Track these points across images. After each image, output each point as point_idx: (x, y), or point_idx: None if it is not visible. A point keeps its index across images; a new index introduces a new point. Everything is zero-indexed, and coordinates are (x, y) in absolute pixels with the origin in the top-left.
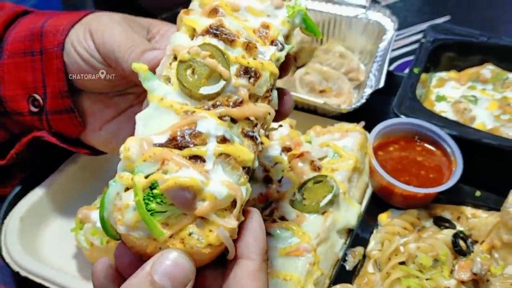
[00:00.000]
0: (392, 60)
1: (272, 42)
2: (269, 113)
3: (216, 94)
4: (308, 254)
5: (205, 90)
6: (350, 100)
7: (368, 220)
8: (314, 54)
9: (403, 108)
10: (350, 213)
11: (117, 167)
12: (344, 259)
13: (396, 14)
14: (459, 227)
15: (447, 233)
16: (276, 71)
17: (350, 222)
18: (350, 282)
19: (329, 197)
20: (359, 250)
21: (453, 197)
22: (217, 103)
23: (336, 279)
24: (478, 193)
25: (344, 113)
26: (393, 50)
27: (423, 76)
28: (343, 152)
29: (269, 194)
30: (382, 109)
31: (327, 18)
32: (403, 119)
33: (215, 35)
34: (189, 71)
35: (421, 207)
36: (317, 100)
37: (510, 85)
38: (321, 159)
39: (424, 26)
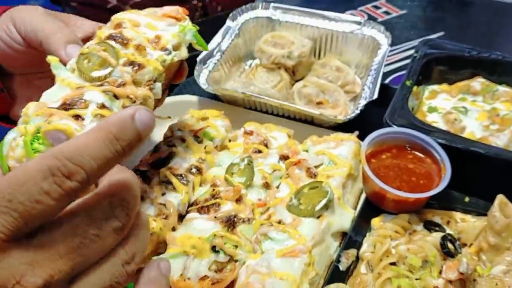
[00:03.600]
0: (387, 74)
1: (162, 48)
2: (149, 97)
3: (104, 76)
4: (303, 255)
5: (96, 73)
6: (346, 111)
7: (362, 224)
8: (312, 68)
9: (395, 118)
10: (344, 217)
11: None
12: (338, 260)
13: (391, 30)
14: (449, 231)
15: (436, 236)
16: (160, 67)
17: (344, 225)
18: (344, 282)
19: (324, 201)
20: (352, 252)
21: (443, 202)
22: (104, 83)
23: (330, 279)
24: (467, 199)
25: (340, 124)
26: (388, 64)
27: (416, 88)
28: (338, 160)
29: (268, 200)
30: (376, 120)
31: (324, 34)
32: (395, 128)
33: (114, 39)
34: (86, 61)
35: (412, 212)
36: (313, 111)
37: (499, 97)
38: (317, 166)
39: (418, 41)
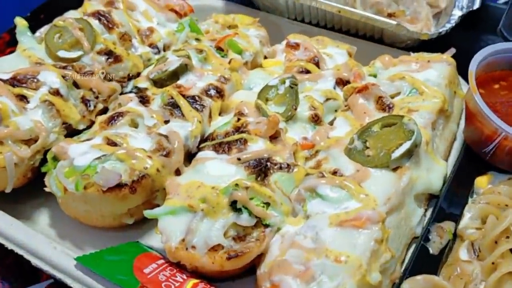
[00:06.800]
0: None
1: (151, 45)
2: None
3: (71, 60)
4: (373, 226)
5: (62, 53)
6: (429, 28)
7: (459, 185)
8: None
9: None
10: (433, 172)
11: None
12: (426, 238)
13: None
14: None
15: None
16: (140, 65)
17: (433, 184)
18: (436, 272)
19: (407, 145)
20: (447, 226)
21: None
22: (69, 67)
23: (414, 267)
24: None
25: (419, 44)
26: None
27: None
28: (424, 87)
29: (317, 139)
30: (467, 45)
31: None
32: None
33: (99, 19)
34: (57, 35)
35: None
36: (387, 21)
37: None
38: (392, 96)
39: None
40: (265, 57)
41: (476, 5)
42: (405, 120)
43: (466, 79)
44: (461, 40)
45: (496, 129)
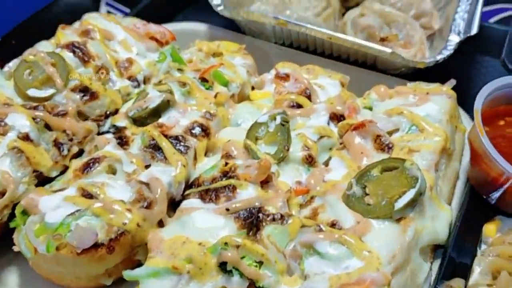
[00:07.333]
0: None
1: (130, 78)
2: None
3: (43, 99)
4: None
5: (33, 92)
6: (423, 53)
7: (466, 234)
8: None
9: None
10: (438, 220)
11: None
12: None
13: None
14: None
15: None
16: (119, 101)
17: (439, 234)
18: None
19: (411, 194)
20: (457, 284)
21: None
22: (40, 107)
23: None
24: None
25: (414, 71)
26: None
27: None
28: (425, 124)
29: (312, 183)
30: (465, 70)
31: None
32: None
33: (73, 51)
34: (27, 72)
35: None
36: (381, 49)
37: None
38: (390, 133)
39: None
40: (253, 88)
41: (474, 30)
42: (407, 164)
43: (465, 108)
44: (458, 65)
45: (504, 172)
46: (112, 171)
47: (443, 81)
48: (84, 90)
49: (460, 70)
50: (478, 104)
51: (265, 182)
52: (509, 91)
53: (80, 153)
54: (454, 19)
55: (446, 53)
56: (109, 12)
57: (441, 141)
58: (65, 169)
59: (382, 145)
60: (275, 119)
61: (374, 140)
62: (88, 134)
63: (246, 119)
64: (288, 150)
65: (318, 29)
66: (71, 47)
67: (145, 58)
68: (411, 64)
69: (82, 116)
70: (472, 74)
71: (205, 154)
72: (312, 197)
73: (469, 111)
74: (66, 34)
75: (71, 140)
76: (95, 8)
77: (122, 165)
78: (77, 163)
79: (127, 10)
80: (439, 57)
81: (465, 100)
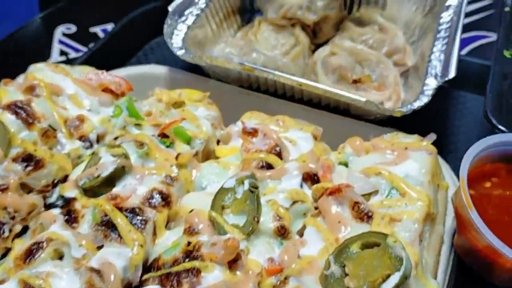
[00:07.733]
0: None
1: (81, 138)
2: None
3: None
4: None
5: None
6: (398, 94)
7: None
8: (342, 27)
9: (504, 116)
10: None
11: None
12: None
13: None
14: None
15: None
16: (68, 166)
17: None
18: None
19: (395, 279)
20: None
21: None
22: None
23: None
24: None
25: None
26: None
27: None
28: (406, 187)
29: (285, 259)
30: (442, 113)
31: None
32: (508, 135)
33: (16, 113)
34: None
35: None
36: (355, 98)
37: None
38: (366, 196)
39: None
40: (218, 142)
41: (452, 73)
42: (389, 241)
43: (443, 154)
44: (436, 107)
45: (490, 245)
46: (59, 255)
47: (421, 125)
48: (28, 158)
49: (439, 110)
50: (464, 171)
51: (234, 261)
52: (495, 150)
53: (25, 229)
54: (430, 60)
55: (424, 99)
56: (62, 51)
57: (424, 207)
58: (6, 251)
59: (361, 214)
60: (243, 183)
61: (351, 207)
62: (32, 209)
63: (212, 181)
64: (258, 221)
65: (287, 76)
66: (13, 107)
67: (98, 114)
68: (387, 113)
69: (25, 188)
70: (452, 118)
71: (166, 225)
72: (286, 278)
73: (447, 155)
74: (9, 91)
75: (13, 218)
76: (47, 46)
77: (70, 249)
78: (19, 249)
79: (82, 48)
80: (417, 105)
81: (444, 148)
